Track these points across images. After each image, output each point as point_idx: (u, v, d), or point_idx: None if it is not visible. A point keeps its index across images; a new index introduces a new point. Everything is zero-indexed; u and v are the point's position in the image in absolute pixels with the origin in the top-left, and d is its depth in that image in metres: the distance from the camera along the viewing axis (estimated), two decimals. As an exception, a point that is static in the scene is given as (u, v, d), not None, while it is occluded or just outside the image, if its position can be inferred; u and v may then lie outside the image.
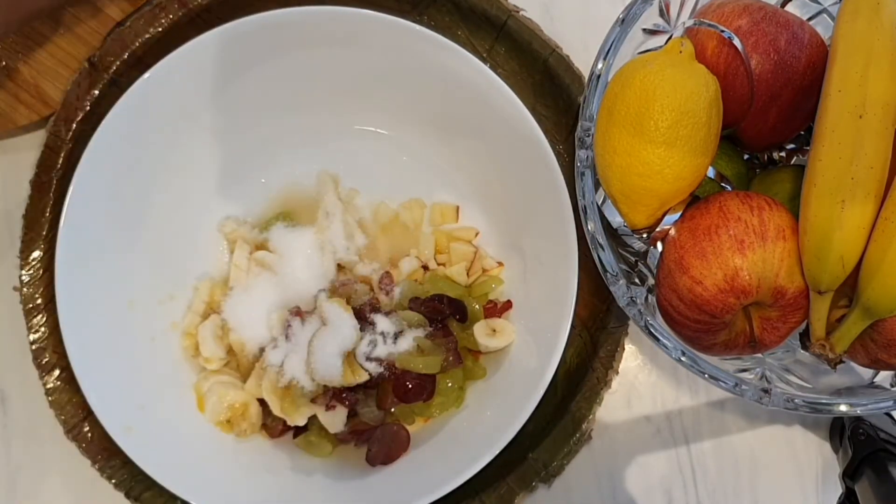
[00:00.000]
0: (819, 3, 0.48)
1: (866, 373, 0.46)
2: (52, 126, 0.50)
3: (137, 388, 0.47)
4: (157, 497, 0.47)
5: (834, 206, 0.38)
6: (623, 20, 0.44)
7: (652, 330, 0.43)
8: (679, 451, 0.53)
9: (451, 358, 0.49)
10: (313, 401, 0.48)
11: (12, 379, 0.51)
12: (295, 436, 0.49)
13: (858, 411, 0.42)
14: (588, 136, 0.43)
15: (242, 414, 0.49)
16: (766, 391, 0.42)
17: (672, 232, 0.43)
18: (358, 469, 0.49)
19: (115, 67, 0.50)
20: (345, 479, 0.48)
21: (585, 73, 0.51)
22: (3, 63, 0.52)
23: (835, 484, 0.52)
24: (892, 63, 0.38)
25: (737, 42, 0.42)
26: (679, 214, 0.44)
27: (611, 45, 0.44)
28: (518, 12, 0.52)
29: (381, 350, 0.49)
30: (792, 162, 0.50)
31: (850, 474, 0.48)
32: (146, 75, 0.47)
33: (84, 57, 0.51)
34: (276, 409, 0.48)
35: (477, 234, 0.54)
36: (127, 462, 0.45)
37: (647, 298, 0.45)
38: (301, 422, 0.48)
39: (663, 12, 0.45)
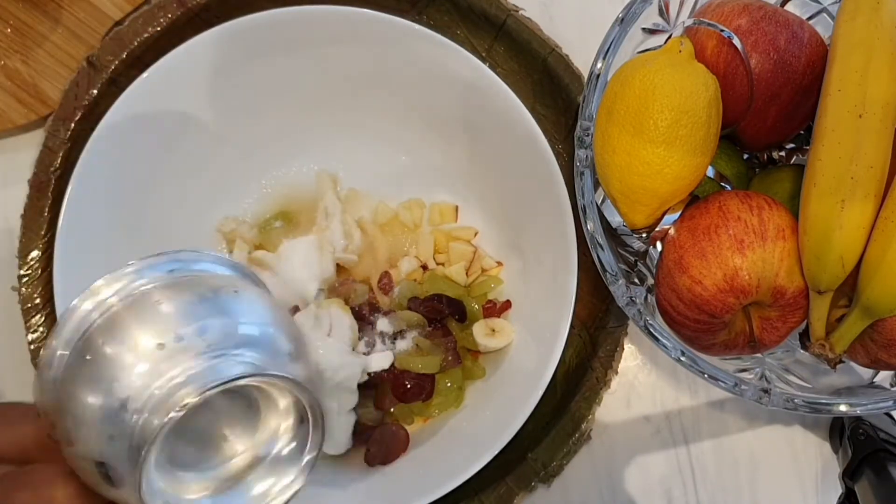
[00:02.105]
0: (819, 3, 0.48)
1: (866, 373, 0.46)
2: (51, 125, 0.50)
3: (136, 387, 0.47)
4: (156, 497, 0.47)
5: (834, 206, 0.38)
6: (622, 19, 0.44)
7: (651, 330, 0.43)
8: (678, 451, 0.53)
9: (449, 358, 0.49)
10: (312, 401, 0.48)
11: (11, 379, 0.51)
12: (294, 436, 0.49)
13: (858, 411, 0.42)
14: (587, 135, 0.43)
15: (241, 414, 0.48)
16: (765, 391, 0.42)
17: (671, 232, 0.43)
18: (357, 469, 0.49)
19: (113, 67, 0.50)
20: (344, 479, 0.48)
21: (585, 73, 0.51)
22: (2, 62, 0.52)
23: (835, 484, 0.51)
24: (892, 62, 0.38)
25: (736, 41, 0.42)
26: (678, 214, 0.44)
27: (610, 45, 0.44)
28: (517, 11, 0.52)
29: (380, 350, 0.49)
30: (792, 161, 0.50)
31: (849, 474, 0.48)
32: (145, 75, 0.47)
33: (83, 56, 0.51)
34: (274, 409, 0.48)
35: (476, 234, 0.54)
36: (125, 462, 0.45)
37: (646, 298, 0.45)
38: (300, 422, 0.48)
39: (663, 11, 0.45)
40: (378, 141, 0.54)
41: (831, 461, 0.53)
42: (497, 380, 0.50)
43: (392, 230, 0.53)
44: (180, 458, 0.27)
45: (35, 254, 0.50)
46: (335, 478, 0.48)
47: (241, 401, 0.28)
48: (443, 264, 0.53)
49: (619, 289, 0.43)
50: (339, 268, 0.52)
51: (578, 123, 0.44)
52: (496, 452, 0.45)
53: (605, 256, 0.43)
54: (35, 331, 0.49)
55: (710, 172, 0.47)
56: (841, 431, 0.51)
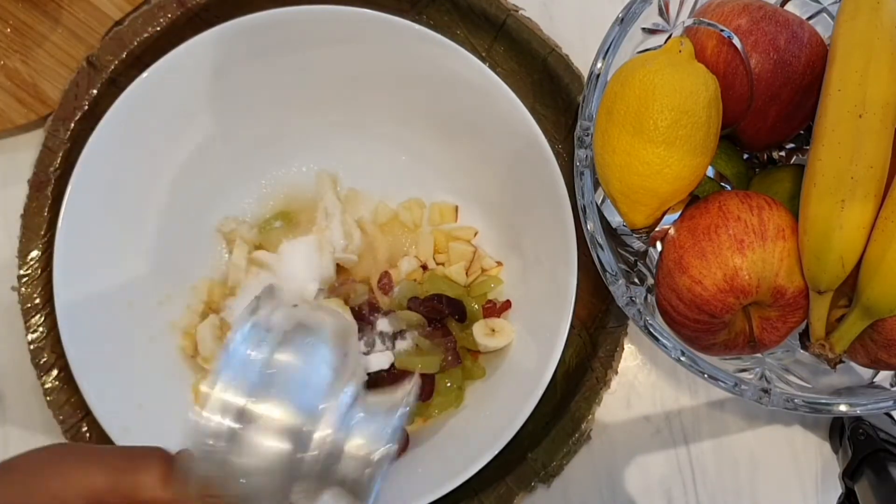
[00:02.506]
0: (819, 3, 0.48)
1: (866, 373, 0.46)
2: (51, 125, 0.50)
3: (136, 387, 0.47)
4: (156, 497, 0.47)
5: (834, 206, 0.38)
6: (622, 19, 0.44)
7: (651, 330, 0.42)
8: (678, 451, 0.53)
9: (449, 358, 0.49)
10: (312, 401, 0.48)
11: (10, 378, 0.51)
12: (294, 436, 0.49)
13: (858, 411, 0.42)
14: (587, 135, 0.43)
15: (241, 414, 0.48)
16: (765, 391, 0.42)
17: (671, 231, 0.43)
18: (357, 469, 0.49)
19: (113, 67, 0.50)
20: (344, 479, 0.48)
21: (585, 73, 0.51)
22: (2, 62, 0.52)
23: (834, 484, 0.51)
24: (892, 62, 0.38)
25: (736, 41, 0.42)
26: (678, 214, 0.44)
27: (610, 45, 0.44)
28: (517, 11, 0.52)
29: (380, 350, 0.49)
30: (791, 161, 0.50)
31: (849, 474, 0.48)
32: (145, 75, 0.47)
33: (82, 56, 0.51)
34: (274, 409, 0.48)
35: (476, 234, 0.54)
36: (125, 462, 0.45)
37: (646, 298, 0.45)
38: (300, 422, 0.48)
39: (663, 11, 0.45)
40: (378, 141, 0.54)
41: (831, 461, 0.53)
42: (497, 380, 0.50)
43: (392, 230, 0.53)
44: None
45: (35, 254, 0.50)
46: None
47: None
48: (443, 264, 0.53)
49: (619, 289, 0.43)
50: (339, 268, 0.52)
51: (578, 123, 0.44)
52: (496, 452, 0.45)
53: (605, 256, 0.43)
54: (35, 331, 0.49)
55: (710, 172, 0.47)
56: (841, 431, 0.51)
